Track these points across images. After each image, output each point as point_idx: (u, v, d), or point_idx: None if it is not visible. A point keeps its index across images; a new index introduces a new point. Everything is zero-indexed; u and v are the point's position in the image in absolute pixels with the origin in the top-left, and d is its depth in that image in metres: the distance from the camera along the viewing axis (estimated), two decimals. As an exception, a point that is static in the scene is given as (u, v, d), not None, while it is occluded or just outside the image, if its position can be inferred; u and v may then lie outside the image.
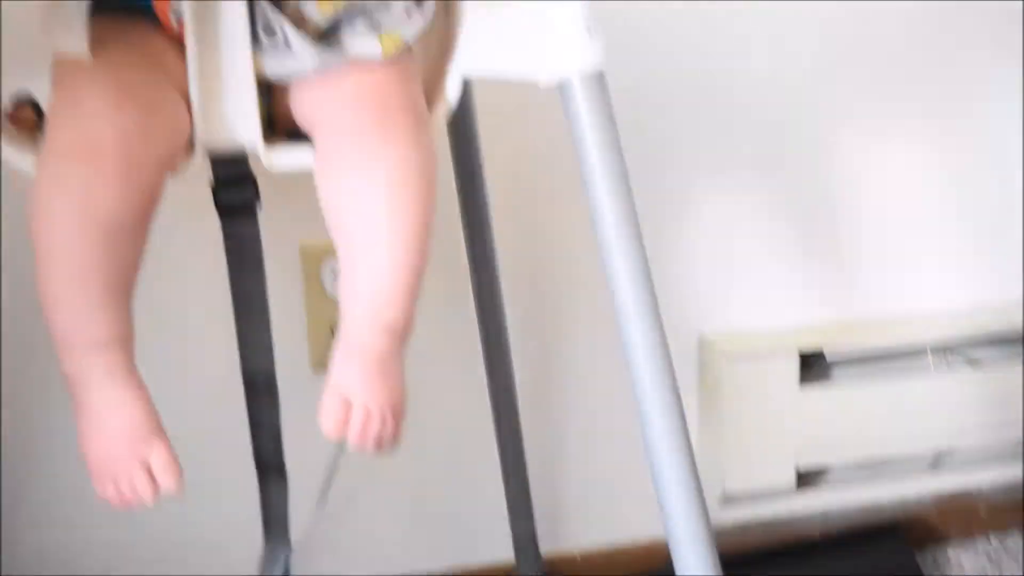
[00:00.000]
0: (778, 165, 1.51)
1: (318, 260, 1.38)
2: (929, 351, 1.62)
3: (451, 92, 0.91)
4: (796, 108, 1.49)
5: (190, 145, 0.86)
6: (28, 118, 0.93)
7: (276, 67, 0.86)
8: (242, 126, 0.86)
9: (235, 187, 0.91)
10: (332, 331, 1.41)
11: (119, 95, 0.81)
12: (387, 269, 0.84)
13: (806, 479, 1.63)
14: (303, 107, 0.88)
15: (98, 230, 0.79)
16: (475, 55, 0.90)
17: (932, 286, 1.61)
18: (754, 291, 1.55)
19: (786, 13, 1.44)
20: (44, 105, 0.95)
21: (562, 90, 0.85)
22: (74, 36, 0.83)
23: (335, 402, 0.83)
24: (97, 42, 0.83)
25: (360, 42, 0.86)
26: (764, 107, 1.48)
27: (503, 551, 1.46)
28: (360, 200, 0.84)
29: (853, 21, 1.46)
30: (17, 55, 0.96)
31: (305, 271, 1.39)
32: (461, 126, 1.14)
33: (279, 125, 0.91)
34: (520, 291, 1.40)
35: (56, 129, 0.81)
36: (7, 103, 0.94)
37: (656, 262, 0.87)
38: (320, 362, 1.42)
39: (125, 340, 0.82)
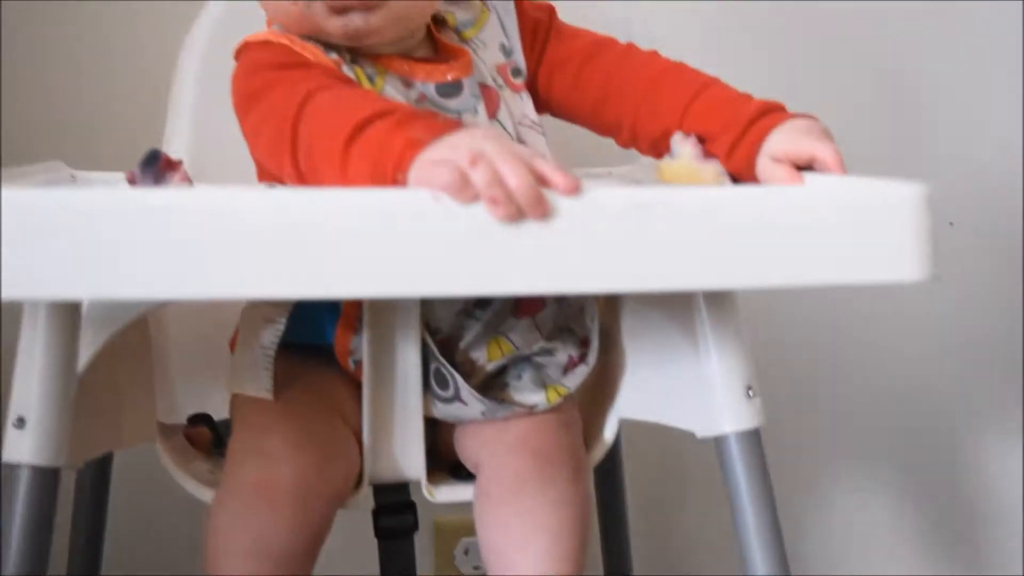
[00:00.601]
0: (910, 454, 1.51)
1: (452, 537, 1.41)
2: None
3: (608, 434, 0.94)
4: (930, 399, 1.51)
5: (359, 479, 0.90)
6: (204, 436, 0.98)
7: (445, 412, 0.90)
8: (409, 464, 0.90)
9: (396, 514, 0.94)
10: (460, 606, 1.43)
11: (299, 438, 0.85)
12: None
13: None
14: (467, 446, 0.92)
15: (270, 563, 0.83)
16: (634, 401, 0.94)
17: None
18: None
19: (917, 311, 1.46)
20: (211, 412, 1.01)
21: (718, 443, 0.87)
22: (260, 383, 0.88)
23: None
24: (277, 381, 0.89)
25: (526, 394, 0.90)
26: (898, 396, 1.50)
27: None
28: (518, 544, 0.87)
29: (990, 320, 1.49)
30: (193, 378, 1.02)
31: (437, 547, 1.42)
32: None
33: (441, 455, 0.95)
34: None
35: (237, 466, 0.86)
36: (185, 421, 1.00)
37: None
38: (448, 636, 1.43)
39: None
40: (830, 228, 0.66)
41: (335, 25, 0.83)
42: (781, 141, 0.81)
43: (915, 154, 1.46)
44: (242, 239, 0.61)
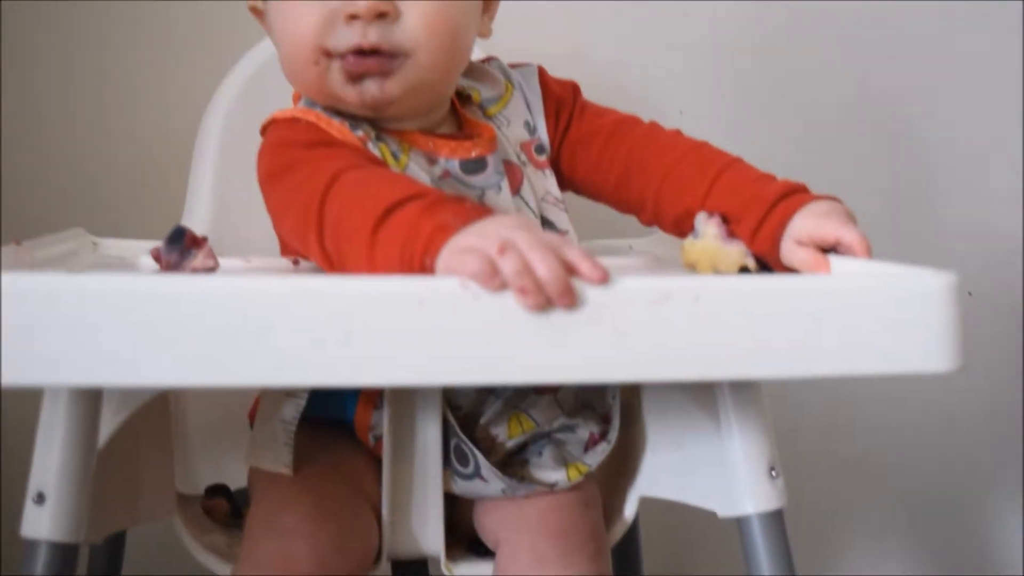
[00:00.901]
0: (927, 519, 1.51)
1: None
2: None
3: (628, 512, 0.94)
4: (946, 467, 1.50)
5: (377, 554, 0.89)
6: (221, 508, 0.98)
7: (465, 488, 0.89)
8: (428, 539, 0.89)
9: (414, 588, 0.93)
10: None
11: (317, 514, 0.84)
12: None
13: None
14: (486, 523, 0.91)
15: (287, 642, 0.82)
16: (654, 479, 0.93)
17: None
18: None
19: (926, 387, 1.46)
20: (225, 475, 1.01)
21: (740, 524, 0.87)
22: (279, 457, 0.87)
23: None
24: (296, 456, 0.88)
25: (547, 472, 0.90)
26: (914, 464, 1.50)
27: None
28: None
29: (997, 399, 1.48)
30: (211, 447, 1.02)
31: (450, 614, 1.40)
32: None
33: (460, 529, 0.94)
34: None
35: (255, 542, 0.85)
36: (202, 492, 0.99)
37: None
38: None
39: None
40: (859, 318, 0.65)
41: (351, 94, 0.83)
42: (806, 224, 0.80)
43: (919, 230, 1.47)
44: (263, 327, 0.60)
